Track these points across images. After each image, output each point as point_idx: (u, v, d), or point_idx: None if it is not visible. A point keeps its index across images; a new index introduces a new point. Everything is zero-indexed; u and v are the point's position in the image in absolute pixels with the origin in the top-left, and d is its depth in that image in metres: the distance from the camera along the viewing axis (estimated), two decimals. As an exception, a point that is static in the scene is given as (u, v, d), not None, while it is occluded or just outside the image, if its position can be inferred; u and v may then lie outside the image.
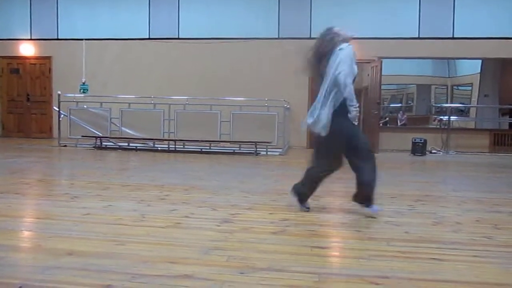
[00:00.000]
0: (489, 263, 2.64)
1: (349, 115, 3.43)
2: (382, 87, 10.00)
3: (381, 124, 10.32)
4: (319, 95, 3.56)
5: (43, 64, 11.61)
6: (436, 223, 3.57)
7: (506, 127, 10.64)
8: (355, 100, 3.41)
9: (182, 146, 9.44)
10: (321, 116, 3.48)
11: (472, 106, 10.77)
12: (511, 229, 3.45)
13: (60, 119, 9.79)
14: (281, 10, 10.56)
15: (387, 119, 10.88)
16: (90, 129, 9.69)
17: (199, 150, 9.25)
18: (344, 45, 3.48)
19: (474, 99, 10.70)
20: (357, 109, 3.44)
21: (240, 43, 10.54)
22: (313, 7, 10.44)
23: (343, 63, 3.38)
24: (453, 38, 10.10)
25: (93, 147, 9.40)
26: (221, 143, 9.33)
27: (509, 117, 10.68)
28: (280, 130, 9.34)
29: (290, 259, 2.61)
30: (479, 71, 10.66)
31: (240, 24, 10.65)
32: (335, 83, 3.40)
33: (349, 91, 3.38)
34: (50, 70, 11.57)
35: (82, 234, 3.04)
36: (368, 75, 10.66)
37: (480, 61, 10.47)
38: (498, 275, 2.44)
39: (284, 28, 10.54)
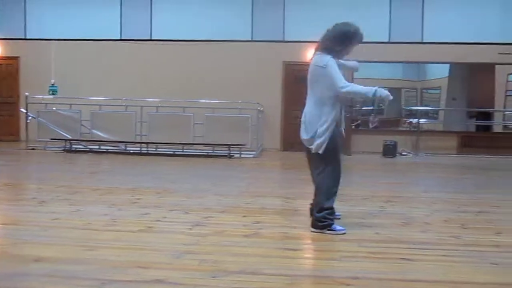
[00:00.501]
0: (457, 262, 2.71)
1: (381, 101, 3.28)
2: (354, 90, 10.13)
3: (353, 127, 10.46)
4: (311, 107, 3.31)
5: (10, 64, 11.28)
6: (405, 224, 3.64)
7: (473, 129, 10.96)
8: (364, 90, 3.22)
9: (154, 149, 9.33)
10: (321, 136, 3.22)
11: (440, 109, 11.05)
12: (478, 228, 3.55)
13: (28, 121, 9.53)
14: (255, 13, 10.59)
15: (359, 121, 11.03)
16: (60, 131, 9.45)
17: (172, 152, 9.15)
18: (325, 60, 3.23)
19: (443, 102, 10.98)
20: (379, 92, 3.21)
21: (213, 45, 10.51)
22: (286, 10, 10.51)
23: (335, 78, 3.17)
24: (422, 42, 10.35)
25: (63, 150, 9.18)
26: (194, 145, 9.26)
27: (476, 120, 11.00)
28: (253, 132, 9.35)
29: (263, 262, 2.61)
30: (447, 75, 10.95)
31: (214, 26, 10.62)
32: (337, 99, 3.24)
33: (359, 93, 3.27)
34: (17, 70, 11.25)
35: (50, 240, 2.96)
36: (341, 78, 10.80)
37: (448, 65, 10.76)
38: (465, 273, 2.51)
39: (258, 31, 10.58)
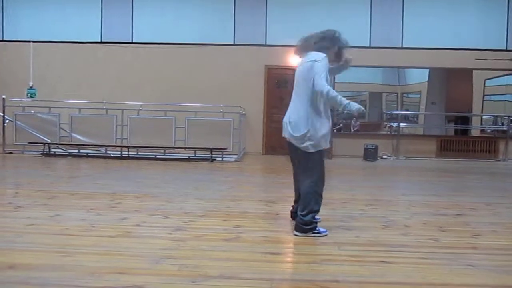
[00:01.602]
0: (435, 264, 2.74)
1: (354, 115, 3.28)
2: (336, 94, 10.22)
3: (335, 130, 10.54)
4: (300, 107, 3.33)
5: (-13, 66, 11.04)
6: (385, 227, 3.67)
7: (452, 133, 11.15)
8: (343, 101, 3.18)
9: (135, 153, 9.22)
10: (320, 129, 3.29)
11: (420, 114, 11.22)
12: (456, 231, 3.61)
13: (5, 124, 9.32)
14: (237, 17, 10.60)
15: (341, 125, 11.12)
16: (38, 135, 9.27)
17: (153, 156, 9.07)
18: (321, 56, 3.29)
19: (422, 106, 11.15)
20: (350, 106, 3.20)
21: (195, 49, 10.47)
22: (269, 14, 10.55)
23: (318, 76, 3.20)
24: (402, 48, 10.51)
25: (41, 154, 9.01)
26: (176, 149, 9.19)
27: (455, 124, 11.20)
28: (235, 136, 9.32)
29: (243, 266, 2.60)
30: (426, 79, 11.13)
31: (196, 29, 10.60)
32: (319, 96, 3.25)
33: (335, 100, 3.20)
34: (-6, 73, 11.01)
35: (25, 246, 2.89)
36: (322, 82, 10.86)
37: (427, 70, 10.94)
38: (442, 275, 2.54)
39: (240, 35, 10.58)
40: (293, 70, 3.62)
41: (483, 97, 10.98)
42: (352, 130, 11.18)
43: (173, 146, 9.16)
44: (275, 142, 10.20)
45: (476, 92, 10.88)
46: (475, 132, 11.16)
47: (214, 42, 10.50)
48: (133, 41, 10.69)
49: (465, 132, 11.12)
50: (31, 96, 10.26)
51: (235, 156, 9.16)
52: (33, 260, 2.61)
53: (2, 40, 10.92)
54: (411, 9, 10.50)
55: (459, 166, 9.03)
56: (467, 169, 8.54)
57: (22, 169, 7.21)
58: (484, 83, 10.90)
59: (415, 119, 11.40)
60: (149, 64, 10.57)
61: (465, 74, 10.77)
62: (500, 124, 11.07)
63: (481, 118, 11.22)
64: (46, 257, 2.68)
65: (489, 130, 11.26)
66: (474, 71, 10.68)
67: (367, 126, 11.32)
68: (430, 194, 5.63)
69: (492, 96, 11.17)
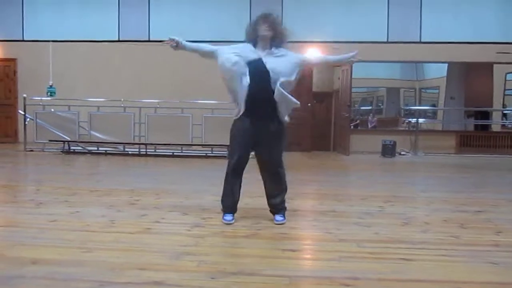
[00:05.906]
0: (456, 261, 2.70)
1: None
2: (353, 90, 10.15)
3: (352, 127, 10.46)
4: None
5: (8, 66, 11.24)
6: (405, 224, 3.63)
7: (472, 128, 10.96)
8: None
9: (153, 150, 9.31)
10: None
11: (439, 109, 11.06)
12: (477, 228, 3.55)
13: (26, 123, 9.50)
14: (253, 13, 10.57)
15: (358, 121, 11.03)
16: (58, 133, 9.42)
17: (171, 153, 9.14)
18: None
19: (441, 101, 10.98)
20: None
21: (211, 46, 10.48)
22: (284, 10, 10.50)
23: None
24: (420, 42, 10.36)
25: (61, 151, 9.16)
26: (193, 146, 9.24)
27: (474, 119, 11.01)
28: (252, 133, 9.31)
29: (262, 263, 2.60)
30: (445, 74, 10.95)
31: (212, 26, 10.61)
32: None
33: None
34: (15, 72, 11.22)
35: (48, 242, 2.95)
36: (339, 78, 10.79)
37: (446, 64, 10.77)
38: (464, 273, 2.50)
39: (256, 31, 10.56)
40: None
41: (504, 92, 10.76)
42: (369, 126, 11.08)
43: (190, 143, 9.21)
44: (290, 139, 10.16)
45: (496, 87, 10.67)
46: (495, 127, 10.96)
47: (231, 39, 10.45)
48: (150, 39, 10.76)
49: (486, 127, 10.93)
50: (51, 95, 10.42)
51: (252, 153, 9.15)
52: (56, 255, 2.66)
53: (23, 40, 11.11)
54: (429, 2, 10.34)
55: (480, 162, 8.88)
56: (488, 165, 8.38)
57: (43, 167, 7.34)
58: (505, 77, 10.68)
59: (434, 115, 11.24)
60: (166, 61, 10.61)
61: (485, 68, 10.57)
62: (522, 119, 10.85)
63: (502, 113, 11.00)
64: (68, 252, 2.72)
65: (510, 125, 11.04)
66: (494, 65, 10.47)
67: (384, 122, 11.21)
68: (450, 190, 5.55)
69: (513, 91, 10.95)
